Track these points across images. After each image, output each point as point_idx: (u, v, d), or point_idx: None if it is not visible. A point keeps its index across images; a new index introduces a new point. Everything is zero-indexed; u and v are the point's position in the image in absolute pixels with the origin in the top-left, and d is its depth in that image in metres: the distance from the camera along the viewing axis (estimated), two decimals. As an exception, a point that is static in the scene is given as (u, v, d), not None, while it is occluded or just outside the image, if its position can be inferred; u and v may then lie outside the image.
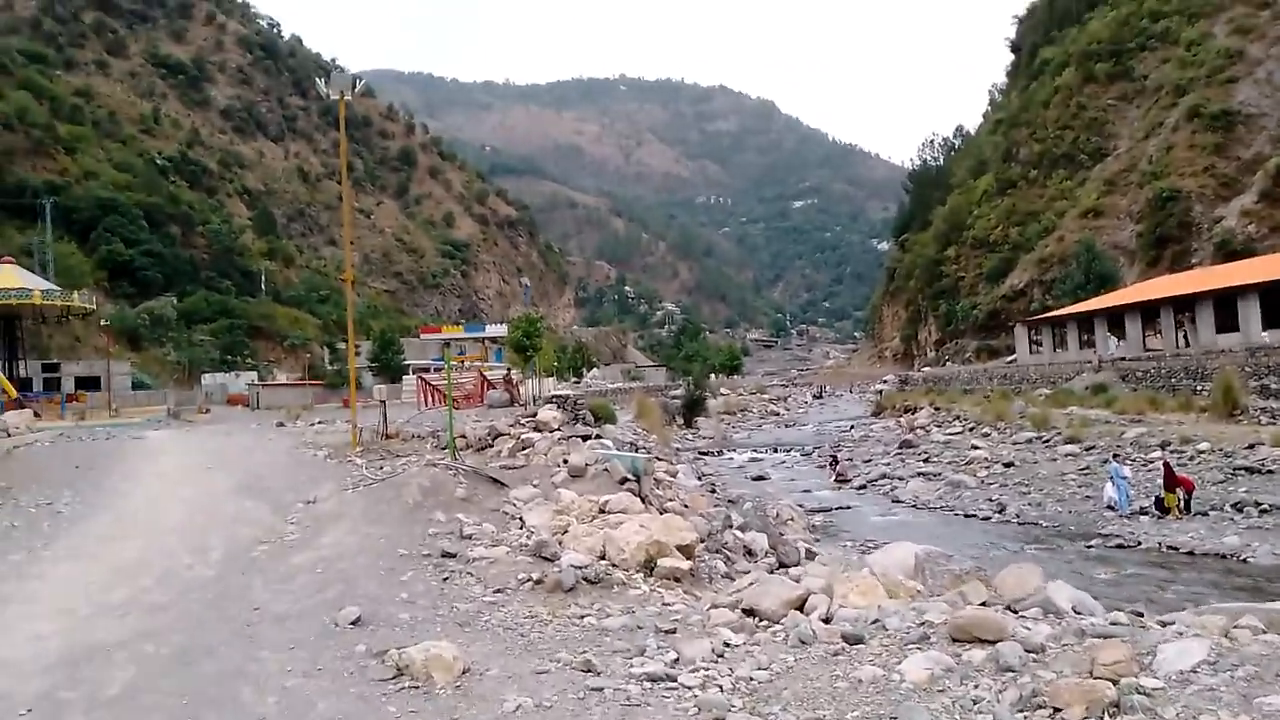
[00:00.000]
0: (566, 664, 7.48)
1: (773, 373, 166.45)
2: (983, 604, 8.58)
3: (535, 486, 15.02)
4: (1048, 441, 33.09)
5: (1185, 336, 45.73)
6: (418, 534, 12.31)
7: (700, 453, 44.64)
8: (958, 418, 45.00)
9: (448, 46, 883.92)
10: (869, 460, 37.65)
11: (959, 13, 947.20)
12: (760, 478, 35.79)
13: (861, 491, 31.23)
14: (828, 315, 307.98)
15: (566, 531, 12.05)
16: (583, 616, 9.07)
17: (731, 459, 43.79)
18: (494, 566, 10.70)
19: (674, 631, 8.28)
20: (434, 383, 38.57)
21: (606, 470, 15.65)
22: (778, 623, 8.52)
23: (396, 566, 10.83)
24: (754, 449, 47.35)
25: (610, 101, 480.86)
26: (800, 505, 25.53)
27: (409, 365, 65.61)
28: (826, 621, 8.33)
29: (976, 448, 34.99)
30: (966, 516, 24.92)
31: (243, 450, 22.64)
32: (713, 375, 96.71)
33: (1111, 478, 22.53)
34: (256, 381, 73.48)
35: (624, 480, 15.20)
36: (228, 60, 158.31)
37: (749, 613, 8.80)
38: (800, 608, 8.78)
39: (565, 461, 16.57)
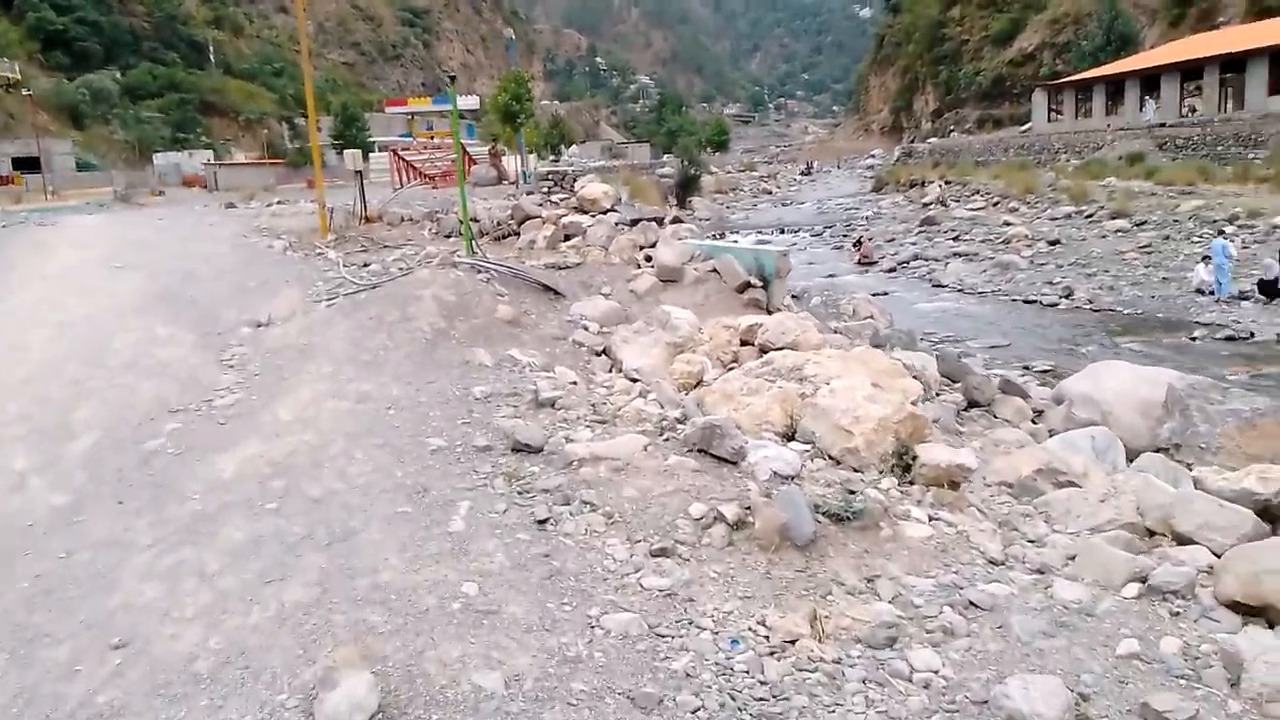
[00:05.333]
0: None
1: (752, 150, 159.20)
2: None
3: (608, 297, 10.18)
4: (1090, 216, 30.23)
5: (1232, 100, 41.86)
6: (454, 395, 7.07)
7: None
8: (976, 192, 41.70)
9: None
10: (892, 240, 34.57)
11: None
12: (775, 261, 32.80)
13: (893, 275, 28.42)
14: (806, 88, 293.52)
15: (701, 384, 7.42)
16: (892, 639, 4.22)
17: (736, 241, 40.58)
18: (627, 478, 5.42)
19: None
20: (410, 158, 34.21)
21: (716, 272, 10.59)
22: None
23: (431, 483, 5.50)
24: (758, 230, 44.04)
25: None
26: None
27: (374, 142, 60.50)
28: None
29: (1010, 224, 32.13)
30: (1027, 302, 22.28)
31: (175, 241, 16.78)
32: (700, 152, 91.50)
33: (1208, 257, 19.61)
34: (214, 161, 67.99)
35: (745, 287, 10.31)
36: None
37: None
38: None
39: (646, 260, 11.51)
